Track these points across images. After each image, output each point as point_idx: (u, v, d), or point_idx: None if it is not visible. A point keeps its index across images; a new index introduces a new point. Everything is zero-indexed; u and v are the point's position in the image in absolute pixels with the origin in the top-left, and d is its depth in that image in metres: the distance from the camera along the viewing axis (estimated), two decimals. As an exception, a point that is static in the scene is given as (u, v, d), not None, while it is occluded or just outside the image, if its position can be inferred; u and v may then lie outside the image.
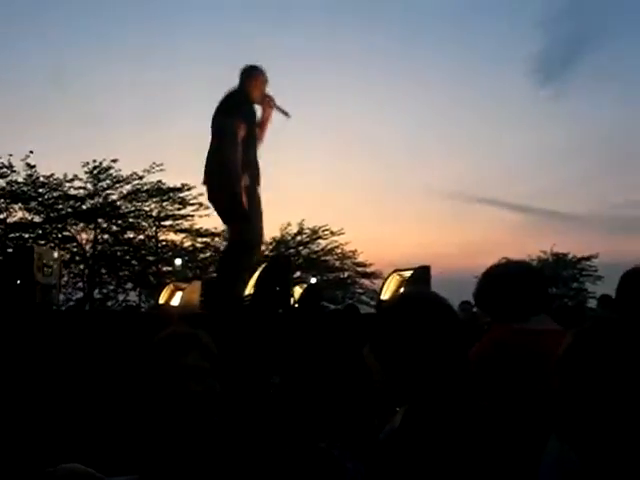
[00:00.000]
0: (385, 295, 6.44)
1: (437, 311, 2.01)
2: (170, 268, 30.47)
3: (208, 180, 6.66)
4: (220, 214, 6.76)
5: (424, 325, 1.93)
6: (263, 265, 6.02)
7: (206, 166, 6.64)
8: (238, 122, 6.35)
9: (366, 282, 38.17)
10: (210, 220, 30.47)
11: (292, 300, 6.28)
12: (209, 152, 6.63)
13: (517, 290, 3.09)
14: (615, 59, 58.12)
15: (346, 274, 38.55)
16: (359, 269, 38.30)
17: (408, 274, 6.36)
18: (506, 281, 3.16)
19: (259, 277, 5.80)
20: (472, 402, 1.96)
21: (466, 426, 1.87)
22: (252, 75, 6.72)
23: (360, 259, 38.00)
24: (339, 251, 37.63)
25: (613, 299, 3.43)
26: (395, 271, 6.67)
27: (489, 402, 2.07)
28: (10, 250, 22.82)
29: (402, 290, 6.23)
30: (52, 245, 28.10)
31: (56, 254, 6.17)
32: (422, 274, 6.37)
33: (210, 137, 6.64)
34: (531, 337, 2.86)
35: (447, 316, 2.01)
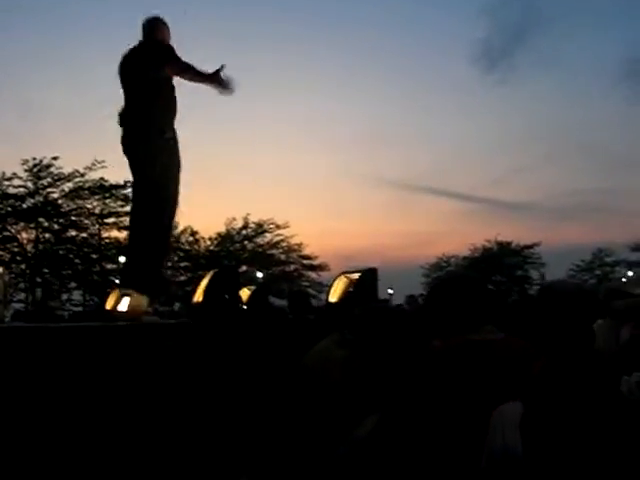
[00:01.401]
0: (333, 297, 6.43)
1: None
2: (114, 266, 30.08)
3: (129, 127, 6.07)
4: (136, 164, 6.12)
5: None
6: (210, 274, 5.96)
7: (126, 114, 6.08)
8: (168, 73, 5.97)
9: (312, 275, 38.44)
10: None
11: (240, 304, 6.25)
12: (131, 101, 6.08)
13: (464, 301, 3.12)
14: (557, 44, 59.36)
15: (292, 267, 38.72)
16: (305, 262, 38.52)
17: (356, 276, 6.37)
18: (452, 293, 3.19)
19: (207, 286, 5.76)
20: None
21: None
22: (162, 28, 6.26)
23: (306, 252, 38.23)
24: (285, 244, 37.80)
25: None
26: (343, 273, 6.68)
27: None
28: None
29: (349, 291, 6.26)
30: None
31: (1, 269, 6.05)
32: (369, 276, 6.39)
33: (127, 88, 6.10)
34: (480, 347, 2.90)
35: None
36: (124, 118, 6.10)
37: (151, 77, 6.00)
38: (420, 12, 62.17)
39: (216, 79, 5.99)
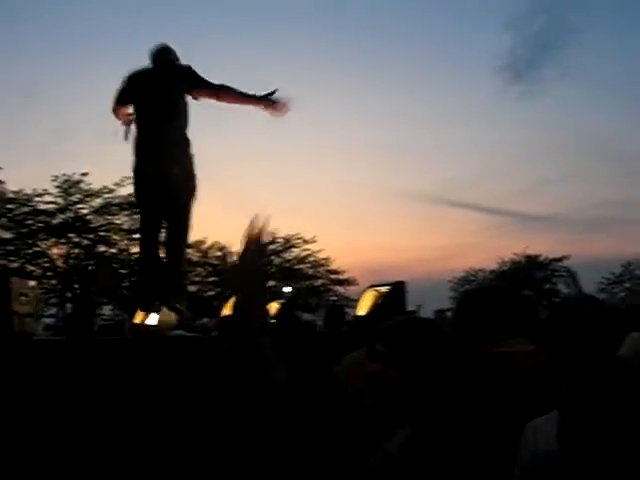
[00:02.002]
0: (361, 311, 6.46)
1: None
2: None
3: (168, 151, 6.02)
4: (170, 189, 6.06)
5: None
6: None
7: (165, 137, 5.99)
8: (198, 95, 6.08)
9: (340, 289, 38.37)
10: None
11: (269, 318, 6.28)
12: (166, 122, 6.01)
13: (494, 312, 3.12)
14: (581, 56, 58.97)
15: (319, 282, 38.68)
16: (332, 276, 38.48)
17: (384, 289, 6.40)
18: (483, 303, 3.20)
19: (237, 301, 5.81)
20: None
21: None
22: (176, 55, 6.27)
23: (333, 266, 38.22)
24: (312, 259, 37.81)
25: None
26: (371, 287, 6.71)
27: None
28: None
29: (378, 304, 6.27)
30: (23, 261, 27.99)
31: (32, 283, 6.15)
32: (398, 289, 6.41)
33: (158, 104, 6.04)
34: (508, 359, 2.91)
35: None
36: (148, 137, 6.13)
37: (183, 99, 6.04)
38: (445, 24, 62.23)
39: (262, 101, 6.01)
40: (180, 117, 6.08)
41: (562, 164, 59.45)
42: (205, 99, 6.16)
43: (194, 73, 6.10)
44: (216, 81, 6.10)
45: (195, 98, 6.12)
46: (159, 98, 6.07)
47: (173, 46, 6.34)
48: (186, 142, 6.10)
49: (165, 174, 5.99)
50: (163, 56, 6.21)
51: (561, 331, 2.75)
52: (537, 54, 68.39)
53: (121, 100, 6.27)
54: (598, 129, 58.89)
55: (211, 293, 34.94)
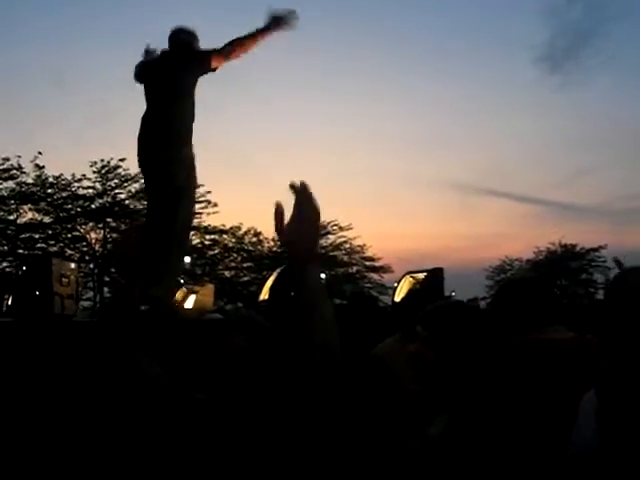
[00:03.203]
0: (398, 297, 6.45)
1: None
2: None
3: (151, 140, 5.95)
4: (154, 182, 6.02)
5: None
6: (277, 272, 6.02)
7: (148, 125, 5.97)
8: (194, 84, 5.93)
9: (375, 276, 38.33)
10: (217, 217, 30.54)
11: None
12: (154, 110, 5.96)
13: (531, 300, 3.11)
14: (622, 44, 58.05)
15: (355, 269, 38.67)
16: (367, 263, 38.44)
17: (422, 276, 6.38)
18: (519, 292, 3.19)
19: (274, 284, 5.83)
20: None
21: None
22: (198, 41, 6.15)
23: (368, 253, 38.17)
24: (347, 246, 37.78)
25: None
26: (408, 273, 6.69)
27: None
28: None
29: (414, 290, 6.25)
30: (62, 245, 28.37)
31: (73, 265, 6.20)
32: (436, 276, 6.39)
33: (151, 92, 6.00)
34: (548, 346, 2.90)
35: None
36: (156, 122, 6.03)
37: (190, 81, 5.89)
38: (482, 14, 61.50)
39: (269, 29, 5.78)
40: (181, 104, 5.95)
41: (600, 154, 58.68)
42: (225, 63, 6.00)
43: (200, 52, 5.97)
44: (221, 44, 5.93)
45: (214, 69, 6.00)
46: (161, 82, 5.99)
47: (202, 29, 6.25)
48: (187, 132, 5.96)
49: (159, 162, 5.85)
50: (174, 38, 6.12)
51: (619, 304, 2.72)
52: (575, 43, 67.32)
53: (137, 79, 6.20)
54: (637, 118, 57.95)
55: (246, 279, 35.09)
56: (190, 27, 6.21)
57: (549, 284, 3.32)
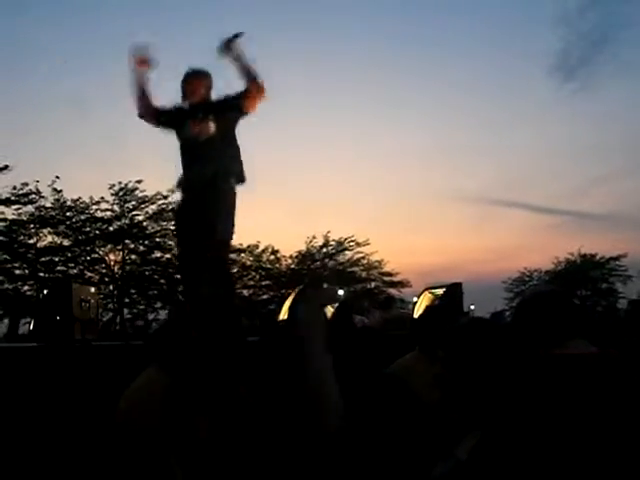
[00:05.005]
0: (418, 313, 6.43)
1: None
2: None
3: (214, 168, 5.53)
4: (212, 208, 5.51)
5: None
6: (296, 291, 6.00)
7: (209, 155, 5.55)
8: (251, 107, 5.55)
9: (393, 291, 38.18)
10: (235, 237, 30.52)
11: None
12: (216, 141, 5.56)
13: (552, 314, 3.09)
14: (634, 52, 57.83)
15: (373, 284, 38.60)
16: (386, 279, 38.35)
17: (440, 292, 6.36)
18: (540, 306, 3.17)
19: (292, 304, 5.82)
20: None
21: None
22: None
23: (387, 268, 38.10)
24: (365, 262, 37.74)
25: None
26: (427, 289, 6.68)
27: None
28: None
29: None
30: (81, 267, 28.53)
31: (93, 289, 6.23)
32: (455, 291, 6.37)
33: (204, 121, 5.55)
34: (573, 362, 2.87)
35: None
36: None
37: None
38: (495, 22, 61.54)
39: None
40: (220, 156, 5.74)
41: (617, 162, 58.41)
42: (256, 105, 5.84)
43: (228, 100, 5.77)
44: (239, 89, 5.73)
45: (247, 112, 5.81)
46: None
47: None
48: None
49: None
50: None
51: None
52: (589, 51, 67.12)
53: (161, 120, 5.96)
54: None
55: (265, 297, 35.10)
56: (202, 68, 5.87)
57: (569, 297, 3.30)
